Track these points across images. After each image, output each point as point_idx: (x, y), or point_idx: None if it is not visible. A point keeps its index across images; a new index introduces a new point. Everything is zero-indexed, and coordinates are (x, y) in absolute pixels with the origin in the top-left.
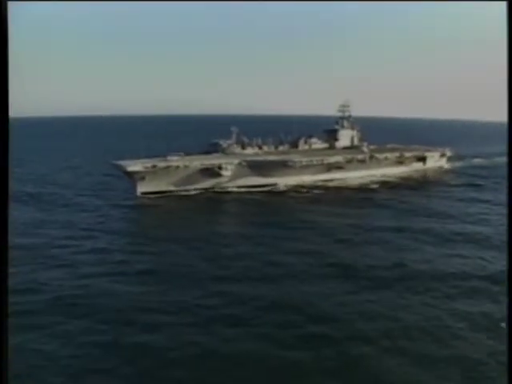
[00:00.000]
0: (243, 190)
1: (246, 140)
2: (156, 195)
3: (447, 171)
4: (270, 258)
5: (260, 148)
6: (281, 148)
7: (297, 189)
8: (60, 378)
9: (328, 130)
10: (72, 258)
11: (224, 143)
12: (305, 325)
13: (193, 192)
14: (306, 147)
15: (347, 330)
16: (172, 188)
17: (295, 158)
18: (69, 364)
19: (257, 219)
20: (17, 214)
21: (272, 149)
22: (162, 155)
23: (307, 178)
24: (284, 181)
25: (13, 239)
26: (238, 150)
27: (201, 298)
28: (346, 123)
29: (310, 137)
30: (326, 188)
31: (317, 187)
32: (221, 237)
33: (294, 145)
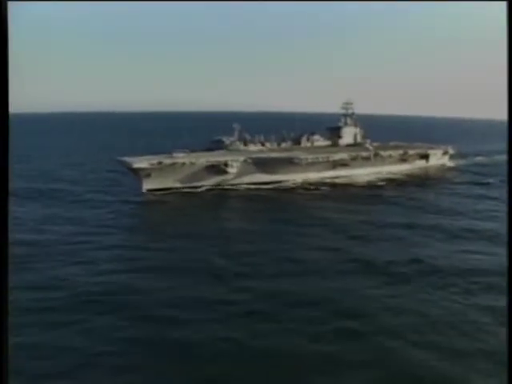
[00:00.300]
0: (249, 186)
1: (248, 137)
2: (162, 192)
3: (450, 169)
4: (284, 254)
5: (263, 145)
6: (283, 145)
7: (304, 186)
8: (83, 372)
9: (331, 127)
10: (84, 254)
11: (227, 140)
12: (329, 320)
13: (199, 189)
14: (309, 144)
15: (373, 325)
16: (178, 185)
17: (301, 155)
18: (94, 361)
19: (267, 216)
20: (23, 210)
21: (274, 146)
22: (164, 152)
23: (313, 175)
24: (289, 178)
25: (24, 236)
26: (241, 147)
27: (218, 294)
28: (349, 120)
29: (313, 134)
30: (333, 185)
31: (324, 184)
32: (230, 233)
33: (297, 142)
